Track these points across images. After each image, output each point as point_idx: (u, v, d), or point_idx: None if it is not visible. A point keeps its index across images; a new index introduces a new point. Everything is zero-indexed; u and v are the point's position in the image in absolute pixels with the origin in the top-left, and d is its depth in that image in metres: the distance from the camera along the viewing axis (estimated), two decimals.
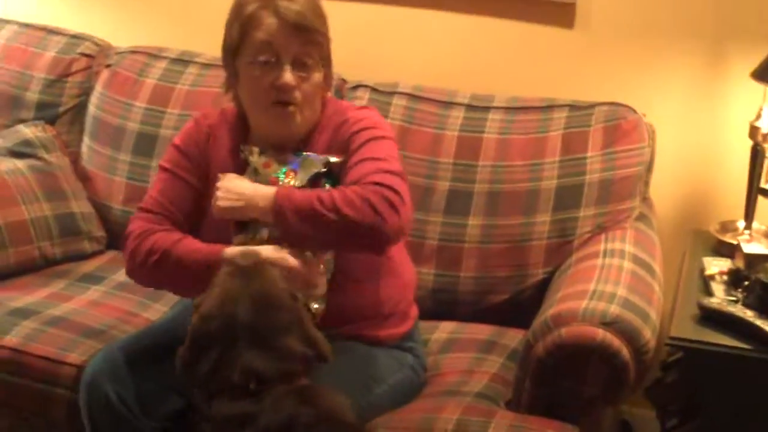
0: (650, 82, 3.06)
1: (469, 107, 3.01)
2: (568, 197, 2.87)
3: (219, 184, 2.41)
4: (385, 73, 3.13)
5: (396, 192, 2.32)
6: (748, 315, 2.45)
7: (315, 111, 2.50)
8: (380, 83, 3.08)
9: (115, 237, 3.20)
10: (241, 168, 2.47)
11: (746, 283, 2.54)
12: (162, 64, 3.27)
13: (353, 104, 2.72)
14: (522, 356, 2.47)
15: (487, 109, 3.00)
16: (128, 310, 2.86)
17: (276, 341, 1.96)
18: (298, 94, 2.42)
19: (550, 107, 2.97)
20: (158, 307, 2.87)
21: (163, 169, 2.56)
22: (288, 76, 2.40)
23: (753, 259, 2.64)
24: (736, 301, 2.53)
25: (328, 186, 2.42)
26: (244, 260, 2.12)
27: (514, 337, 2.80)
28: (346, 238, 2.32)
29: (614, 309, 2.42)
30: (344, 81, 3.10)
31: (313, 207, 2.29)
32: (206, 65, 3.23)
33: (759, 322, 2.43)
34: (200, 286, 2.16)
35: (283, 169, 2.43)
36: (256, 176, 2.43)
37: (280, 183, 2.41)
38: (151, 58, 3.29)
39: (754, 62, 2.75)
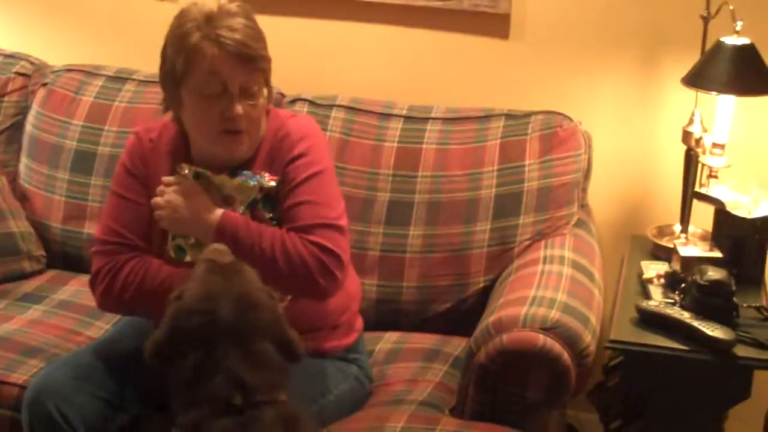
0: (585, 90, 3.11)
1: (408, 119, 3.03)
2: (507, 205, 2.90)
3: (167, 197, 2.42)
4: (323, 86, 3.15)
5: (336, 256, 2.39)
6: (685, 316, 2.49)
7: (260, 130, 2.50)
8: (318, 96, 3.09)
9: (55, 256, 3.19)
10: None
11: (683, 285, 2.59)
12: (99, 82, 3.25)
13: (290, 112, 2.71)
14: (465, 363, 2.50)
15: (425, 120, 3.02)
16: (69, 328, 2.83)
17: (256, 345, 1.95)
18: (245, 122, 2.42)
19: (487, 117, 3.00)
20: (100, 325, 2.85)
21: (113, 193, 2.55)
22: (237, 108, 2.39)
23: (689, 262, 2.68)
24: (673, 304, 2.57)
25: (265, 212, 2.45)
26: (221, 257, 2.11)
27: (457, 345, 2.82)
28: (280, 287, 2.31)
29: (554, 314, 2.45)
30: (282, 95, 3.11)
31: (252, 251, 2.35)
32: (143, 82, 3.22)
33: (696, 323, 2.47)
34: None
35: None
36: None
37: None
38: (88, 76, 3.27)
39: (686, 68, 2.80)
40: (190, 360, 1.93)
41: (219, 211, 2.41)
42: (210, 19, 2.38)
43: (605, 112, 3.10)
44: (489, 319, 2.50)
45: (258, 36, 2.43)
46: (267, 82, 2.48)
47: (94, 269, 2.49)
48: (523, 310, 2.47)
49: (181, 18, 2.42)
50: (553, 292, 2.57)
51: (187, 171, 2.44)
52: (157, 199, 2.44)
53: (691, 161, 2.83)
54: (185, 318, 1.96)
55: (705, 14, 2.77)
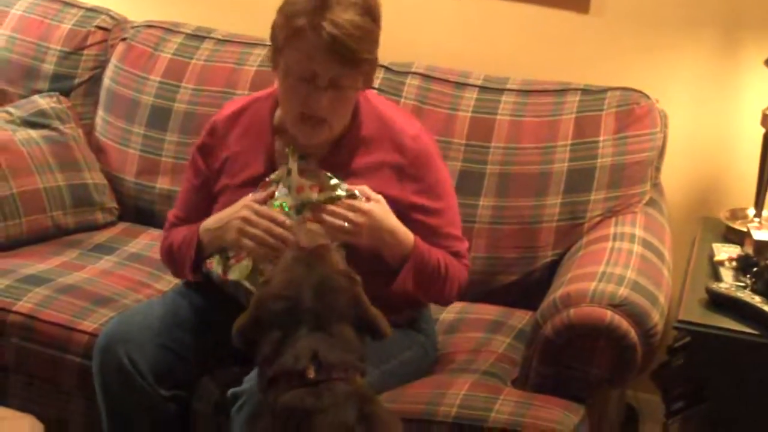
0: (663, 69, 3.07)
1: (483, 89, 3.02)
2: (579, 180, 2.89)
3: (372, 204, 2.38)
4: (399, 53, 3.14)
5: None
6: (756, 300, 2.47)
7: (345, 118, 2.44)
8: (394, 63, 3.09)
9: (127, 209, 3.24)
10: (263, 147, 2.48)
11: (755, 269, 2.56)
12: (177, 39, 3.27)
13: (390, 105, 2.66)
14: (530, 336, 2.49)
15: (500, 91, 3.01)
16: (139, 280, 2.88)
17: (335, 327, 2.00)
18: (328, 113, 2.37)
19: (563, 91, 2.98)
20: (169, 278, 2.86)
21: (187, 178, 2.61)
22: (322, 99, 2.34)
23: (762, 246, 2.66)
24: (744, 287, 2.55)
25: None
26: (308, 242, 2.13)
27: (521, 318, 2.83)
28: (429, 298, 2.56)
29: (623, 291, 2.44)
30: None
31: (433, 275, 2.44)
32: (221, 41, 3.24)
33: (767, 308, 2.45)
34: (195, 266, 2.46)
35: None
36: (288, 178, 2.40)
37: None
38: (167, 33, 3.29)
39: (767, 50, 2.76)
40: (270, 338, 1.99)
41: (410, 234, 2.42)
42: (323, 5, 2.31)
43: (683, 91, 3.06)
44: (557, 293, 2.50)
45: (366, 36, 2.35)
46: (367, 76, 2.44)
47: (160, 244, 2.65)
48: (592, 285, 2.46)
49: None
50: (623, 270, 2.55)
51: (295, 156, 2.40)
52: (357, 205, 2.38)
53: None
54: (269, 303, 2.02)
55: None
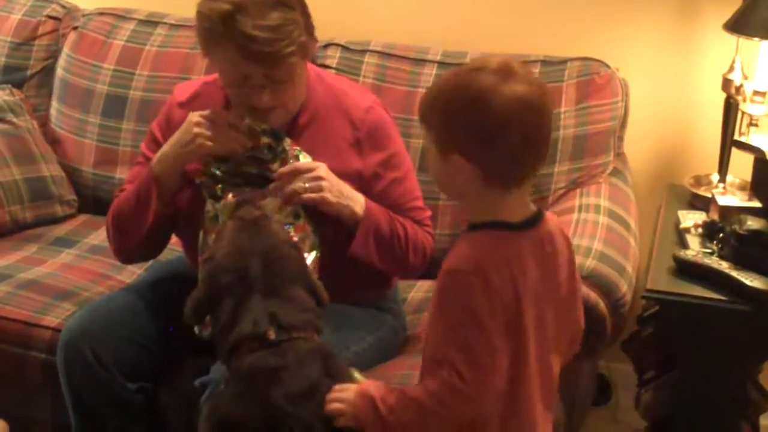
0: (622, 37, 3.05)
1: (442, 64, 2.99)
2: None
3: (322, 172, 2.30)
4: (355, 31, 3.11)
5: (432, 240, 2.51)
6: (724, 266, 2.46)
7: (298, 97, 2.40)
8: (351, 41, 3.06)
9: (86, 200, 3.18)
10: None
11: (721, 235, 2.55)
12: (130, 26, 3.21)
13: (342, 80, 2.65)
14: None
15: (459, 65, 2.96)
16: (101, 272, 2.83)
17: (287, 291, 1.98)
18: (273, 102, 2.32)
19: (523, 63, 2.95)
20: (132, 269, 2.83)
21: (142, 154, 2.52)
22: (261, 96, 2.30)
23: (727, 212, 2.65)
24: (711, 254, 2.54)
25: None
26: (246, 213, 2.12)
27: None
28: (392, 267, 2.47)
29: (590, 263, 2.43)
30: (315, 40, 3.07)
31: (392, 243, 2.39)
32: (175, 26, 3.19)
33: (734, 273, 2.44)
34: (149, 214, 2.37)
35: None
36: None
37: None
38: (119, 20, 3.23)
39: (725, 14, 2.74)
40: (225, 307, 1.97)
41: (361, 196, 2.37)
42: (236, 13, 2.23)
43: (642, 59, 3.04)
44: None
45: (281, 31, 2.25)
46: (303, 60, 2.36)
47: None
48: None
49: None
50: (589, 241, 2.54)
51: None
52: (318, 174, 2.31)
53: (730, 109, 2.78)
54: (218, 276, 1.99)
55: None
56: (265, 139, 2.30)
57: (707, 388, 2.53)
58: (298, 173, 2.29)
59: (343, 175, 2.35)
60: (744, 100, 2.74)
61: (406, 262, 2.45)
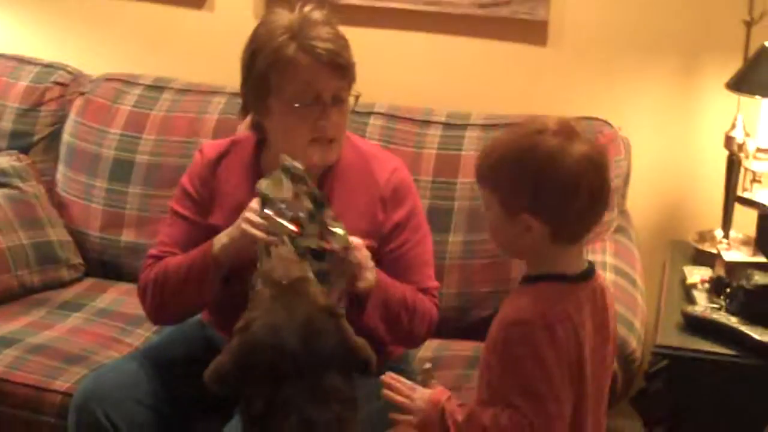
0: (624, 96, 3.10)
1: (446, 125, 3.02)
2: None
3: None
4: (361, 94, 3.14)
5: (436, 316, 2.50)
6: (733, 321, 2.48)
7: (345, 135, 2.49)
8: (357, 104, 3.09)
9: (93, 264, 3.19)
10: (251, 197, 2.39)
11: (728, 290, 2.57)
12: (136, 91, 3.25)
13: (366, 141, 2.71)
14: None
15: (464, 126, 3.01)
16: (110, 336, 2.83)
17: (324, 378, 1.92)
18: (335, 130, 2.41)
19: (576, 122, 2.98)
20: (140, 333, 2.84)
21: (173, 212, 2.53)
22: (330, 117, 2.37)
23: (734, 267, 2.67)
24: (719, 309, 2.56)
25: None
26: (284, 274, 2.08)
27: None
28: (389, 338, 2.42)
29: None
30: None
31: (400, 309, 2.38)
32: (181, 91, 3.23)
33: (743, 328, 2.46)
34: (204, 292, 2.35)
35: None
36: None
37: None
38: (126, 85, 3.27)
39: (726, 73, 2.80)
40: (260, 396, 1.91)
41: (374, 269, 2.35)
42: (301, 29, 2.36)
43: (645, 118, 3.08)
44: None
45: (347, 44, 2.41)
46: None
47: (142, 282, 2.49)
48: None
49: (268, 27, 2.39)
50: None
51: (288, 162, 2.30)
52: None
53: (733, 166, 2.81)
54: (254, 353, 1.94)
55: (748, 19, 2.76)
56: (307, 204, 2.26)
57: None
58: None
59: (366, 233, 2.38)
60: (747, 157, 2.78)
61: (411, 332, 2.46)
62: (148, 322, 2.83)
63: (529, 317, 1.85)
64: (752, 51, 2.75)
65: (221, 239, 2.36)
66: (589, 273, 1.95)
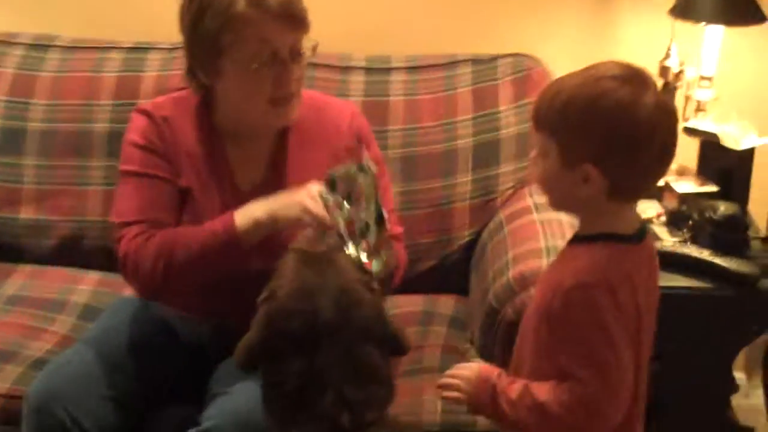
0: (541, 28, 3.00)
1: (369, 70, 2.87)
2: (486, 154, 2.79)
3: None
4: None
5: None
6: (705, 254, 2.46)
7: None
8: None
9: None
10: (214, 150, 2.27)
11: (690, 222, 2.55)
12: (17, 51, 2.91)
13: (311, 91, 2.50)
14: (486, 323, 2.38)
15: (387, 70, 2.86)
16: (32, 325, 2.55)
17: (360, 350, 1.76)
18: (296, 85, 2.25)
19: (453, 63, 2.87)
20: (64, 318, 2.58)
21: (130, 173, 2.28)
22: (289, 74, 2.21)
23: (685, 198, 2.65)
24: (684, 242, 2.53)
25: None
26: (312, 246, 1.91)
27: (447, 304, 2.72)
28: None
29: None
30: None
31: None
32: (69, 48, 2.92)
33: (717, 260, 2.44)
34: (224, 264, 2.15)
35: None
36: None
37: None
38: (4, 46, 2.93)
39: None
40: (292, 369, 1.74)
41: None
42: None
43: (566, 52, 2.99)
44: (508, 274, 2.39)
45: None
46: None
47: (121, 255, 2.23)
48: (543, 262, 2.38)
49: None
50: (562, 241, 2.46)
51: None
52: None
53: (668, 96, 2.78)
54: (283, 320, 1.75)
55: None
56: (368, 214, 2.03)
57: (692, 377, 2.52)
58: None
59: None
60: (683, 87, 2.75)
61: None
62: (70, 306, 2.62)
63: (591, 280, 1.72)
64: None
65: (250, 214, 2.16)
66: (644, 232, 1.84)
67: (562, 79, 1.83)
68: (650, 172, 1.78)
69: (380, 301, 1.86)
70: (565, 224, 2.55)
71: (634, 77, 1.74)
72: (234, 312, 1.95)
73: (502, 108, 2.81)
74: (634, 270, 1.77)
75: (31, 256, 2.82)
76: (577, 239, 1.84)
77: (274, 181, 2.30)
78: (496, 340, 2.33)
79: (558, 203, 1.87)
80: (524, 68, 2.84)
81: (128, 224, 2.23)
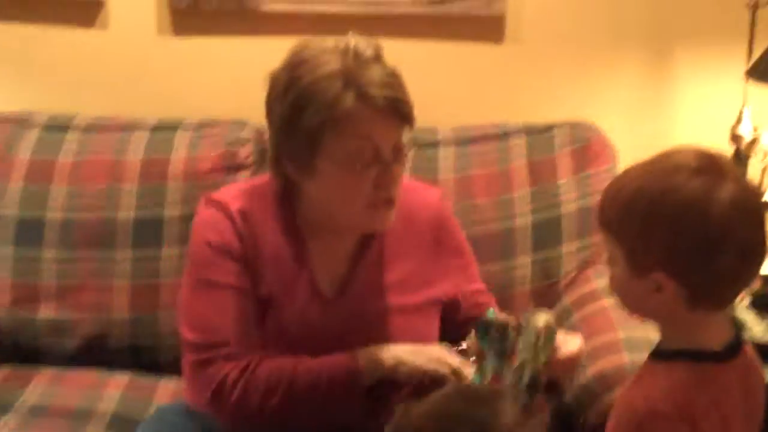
0: (595, 94, 2.80)
1: (414, 145, 2.64)
2: (546, 233, 2.58)
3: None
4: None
5: None
6: None
7: None
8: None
9: (4, 348, 2.61)
10: (296, 250, 2.05)
11: None
12: (33, 134, 2.68)
13: None
14: (563, 426, 2.16)
15: (434, 144, 2.65)
16: None
17: None
18: (397, 188, 2.00)
19: (505, 134, 2.66)
20: (93, 429, 2.33)
21: (210, 283, 2.02)
22: (392, 176, 1.96)
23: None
24: None
25: None
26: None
27: None
28: None
29: None
30: (260, 128, 2.65)
31: None
32: (88, 128, 2.69)
33: None
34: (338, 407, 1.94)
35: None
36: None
37: None
38: (17, 127, 2.69)
39: (700, 59, 2.63)
40: None
41: None
42: (355, 71, 1.91)
43: (623, 118, 2.79)
44: (587, 373, 2.17)
45: (403, 82, 1.98)
46: None
47: (217, 382, 1.96)
48: (625, 357, 2.16)
49: (313, 69, 1.93)
50: (642, 332, 2.23)
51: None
52: None
53: (740, 165, 2.56)
54: None
55: (752, 2, 2.51)
56: (524, 377, 1.80)
57: None
58: None
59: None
60: (757, 155, 2.54)
61: None
62: (100, 414, 2.38)
63: (666, 409, 1.50)
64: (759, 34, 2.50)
65: (370, 360, 1.96)
66: (736, 346, 1.60)
67: (627, 171, 1.61)
68: (733, 277, 1.53)
69: None
70: None
71: (710, 166, 1.51)
72: None
73: (561, 182, 2.60)
74: (724, 393, 1.54)
75: (52, 358, 2.58)
76: (658, 354, 1.61)
77: (357, 282, 2.09)
78: None
79: (634, 312, 1.65)
80: (583, 137, 2.63)
81: (216, 346, 1.98)
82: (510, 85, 2.82)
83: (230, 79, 2.79)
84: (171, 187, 2.59)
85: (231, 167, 2.61)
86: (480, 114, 2.74)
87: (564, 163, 2.61)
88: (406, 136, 1.98)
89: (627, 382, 1.67)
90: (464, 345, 1.98)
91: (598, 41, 2.78)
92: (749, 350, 1.64)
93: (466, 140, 2.65)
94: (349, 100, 1.90)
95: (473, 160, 2.62)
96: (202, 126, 2.65)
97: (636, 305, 1.62)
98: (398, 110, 1.94)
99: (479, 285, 2.26)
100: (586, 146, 2.62)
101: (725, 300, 1.58)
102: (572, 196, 2.59)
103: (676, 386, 1.52)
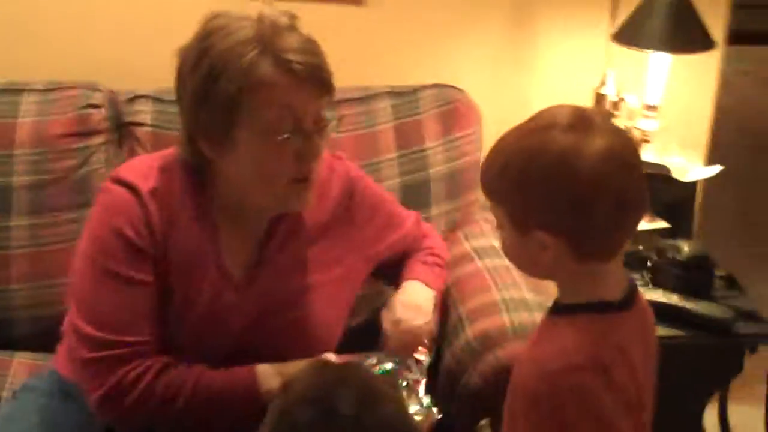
0: (459, 55, 2.78)
1: None
2: (414, 196, 2.52)
3: None
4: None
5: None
6: (675, 299, 2.27)
7: None
8: (159, 89, 2.53)
9: None
10: (207, 234, 1.92)
11: (649, 264, 2.36)
12: None
13: None
14: (445, 387, 2.14)
15: None
16: None
17: None
18: (319, 163, 1.89)
19: (370, 97, 2.60)
20: None
21: (109, 272, 1.86)
22: (314, 149, 1.85)
23: (641, 237, 2.46)
24: (646, 285, 2.34)
25: None
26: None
27: None
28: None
29: (537, 317, 2.14)
30: (113, 92, 2.54)
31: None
32: (46, 90, 2.49)
33: (689, 306, 2.25)
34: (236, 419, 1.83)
35: None
36: None
37: None
38: None
39: (562, 20, 2.63)
40: None
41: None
42: (272, 38, 1.80)
43: (488, 81, 2.78)
44: (467, 333, 2.16)
45: (320, 49, 1.87)
46: None
47: (112, 383, 1.83)
48: (504, 318, 2.16)
49: (226, 33, 1.80)
50: (517, 291, 2.27)
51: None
52: None
53: None
54: (298, 410, 1.44)
55: None
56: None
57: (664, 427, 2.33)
58: None
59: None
60: (623, 116, 2.57)
61: None
62: None
63: (579, 361, 1.48)
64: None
65: (271, 379, 1.87)
66: (633, 293, 1.60)
67: (504, 135, 1.57)
68: (614, 227, 1.51)
69: (403, 399, 1.60)
70: (514, 269, 2.34)
71: (581, 122, 1.48)
72: None
73: (429, 145, 2.56)
74: (627, 340, 1.54)
75: None
76: (558, 309, 1.59)
77: (269, 263, 1.98)
78: (459, 407, 2.09)
79: (529, 273, 1.65)
80: (448, 100, 2.60)
81: (117, 345, 1.84)
82: (372, 48, 2.76)
83: (78, 39, 2.64)
84: (18, 153, 2.43)
85: (83, 133, 2.47)
86: (343, 77, 2.64)
87: (430, 126, 2.58)
88: (327, 109, 1.89)
89: (528, 344, 1.65)
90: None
91: (460, 2, 2.75)
92: (640, 295, 1.64)
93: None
94: (266, 65, 1.79)
95: (341, 121, 2.56)
96: (50, 90, 2.50)
97: (528, 266, 1.61)
98: (318, 78, 1.84)
99: (402, 230, 2.19)
100: (452, 109, 2.60)
101: (611, 251, 1.55)
102: (439, 159, 2.56)
103: (584, 338, 1.51)
